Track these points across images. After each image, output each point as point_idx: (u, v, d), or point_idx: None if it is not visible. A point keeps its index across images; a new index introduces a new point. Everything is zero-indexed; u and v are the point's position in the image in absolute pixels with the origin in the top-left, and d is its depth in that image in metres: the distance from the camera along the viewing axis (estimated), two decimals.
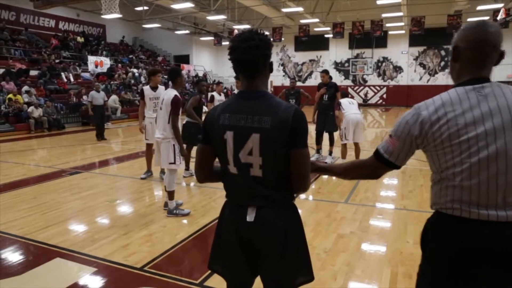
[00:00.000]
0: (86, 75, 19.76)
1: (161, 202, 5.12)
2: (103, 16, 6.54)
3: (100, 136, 11.39)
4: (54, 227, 4.17)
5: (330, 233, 3.95)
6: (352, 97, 7.55)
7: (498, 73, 25.88)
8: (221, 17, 22.69)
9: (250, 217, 1.59)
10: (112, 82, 19.42)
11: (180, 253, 3.59)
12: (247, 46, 1.56)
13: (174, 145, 4.40)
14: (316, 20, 22.87)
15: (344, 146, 7.23)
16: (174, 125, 4.36)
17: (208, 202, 5.17)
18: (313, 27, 24.10)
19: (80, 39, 22.87)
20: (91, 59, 20.48)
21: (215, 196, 5.41)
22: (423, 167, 7.27)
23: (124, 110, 18.29)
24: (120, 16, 19.81)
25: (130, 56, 25.59)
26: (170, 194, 4.49)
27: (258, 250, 1.63)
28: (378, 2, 18.19)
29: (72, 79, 18.31)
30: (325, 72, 7.72)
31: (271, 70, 1.69)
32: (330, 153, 7.87)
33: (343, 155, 7.22)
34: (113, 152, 9.40)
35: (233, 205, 1.68)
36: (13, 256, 3.50)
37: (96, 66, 20.39)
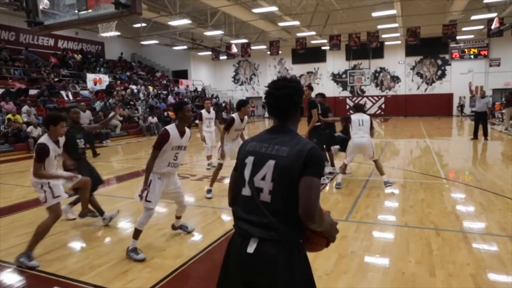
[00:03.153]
0: (85, 92, 19.87)
1: (160, 224, 5.08)
2: (100, 35, 6.65)
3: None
4: (52, 254, 4.13)
5: (331, 253, 3.91)
6: (365, 111, 6.94)
7: (495, 80, 26.04)
8: (218, 32, 22.93)
9: (251, 248, 1.61)
10: (110, 100, 19.48)
11: (180, 279, 3.54)
12: (282, 94, 1.74)
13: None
14: (313, 33, 23.10)
15: (344, 166, 6.93)
16: None
17: (208, 223, 5.13)
18: (310, 40, 24.32)
19: (77, 57, 23.02)
20: (90, 76, 20.62)
21: (214, 217, 5.37)
22: (424, 180, 7.25)
23: (123, 127, 18.31)
24: (118, 34, 20.07)
25: (129, 73, 25.75)
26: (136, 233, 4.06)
27: (257, 285, 1.64)
28: (374, 14, 18.39)
29: (71, 97, 18.38)
30: (308, 87, 7.25)
31: (302, 114, 1.83)
32: (332, 164, 8.27)
33: (342, 170, 6.98)
34: (112, 171, 9.36)
35: (238, 235, 1.72)
36: (10, 286, 3.45)
37: (95, 84, 20.51)
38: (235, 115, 6.22)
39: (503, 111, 18.71)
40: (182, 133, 4.08)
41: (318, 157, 1.65)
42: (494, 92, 25.79)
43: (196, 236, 4.63)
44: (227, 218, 5.35)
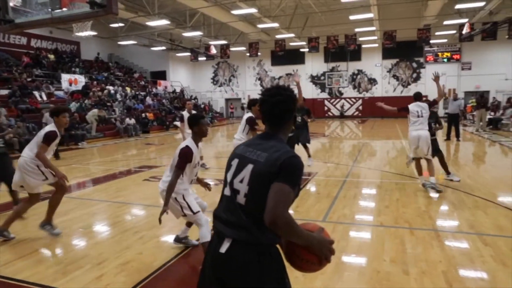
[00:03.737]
0: (60, 93, 19.35)
1: (138, 227, 5.01)
2: (75, 34, 6.41)
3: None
4: (23, 260, 4.00)
5: None
6: (425, 99, 7.14)
7: (467, 83, 26.92)
8: (197, 33, 22.81)
9: (223, 248, 1.65)
10: (86, 101, 19.07)
11: (157, 282, 3.50)
12: (276, 101, 1.78)
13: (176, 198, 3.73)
14: (292, 35, 23.28)
15: (417, 161, 6.67)
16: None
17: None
18: (289, 42, 24.50)
19: (51, 56, 22.42)
20: (65, 77, 20.12)
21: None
22: (399, 180, 7.42)
23: (99, 128, 17.94)
24: (94, 33, 19.68)
25: (106, 73, 25.27)
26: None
27: (226, 281, 1.67)
28: (351, 17, 18.70)
29: (45, 98, 17.88)
30: None
31: (294, 122, 1.91)
32: (309, 156, 8.75)
33: (419, 172, 6.70)
34: (88, 174, 9.16)
35: (215, 234, 1.77)
36: None
37: (70, 84, 20.03)
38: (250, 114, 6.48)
39: (474, 113, 19.35)
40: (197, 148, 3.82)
41: (294, 166, 1.64)
42: (466, 95, 26.66)
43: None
44: None
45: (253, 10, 17.97)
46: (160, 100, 26.06)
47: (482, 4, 17.64)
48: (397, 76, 29.16)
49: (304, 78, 31.23)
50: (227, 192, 1.77)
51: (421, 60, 28.26)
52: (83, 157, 12.28)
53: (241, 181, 1.71)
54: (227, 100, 34.12)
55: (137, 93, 24.52)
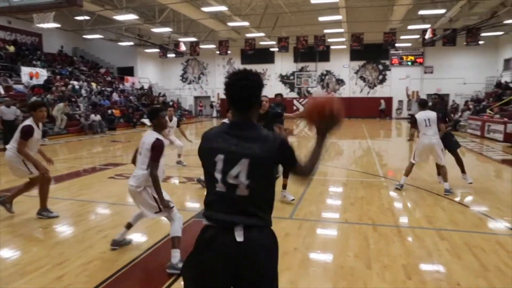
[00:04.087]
0: (19, 87, 18.46)
1: (102, 225, 4.88)
2: (36, 26, 6.06)
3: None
4: None
5: None
6: (432, 107, 6.95)
7: (429, 86, 28.06)
8: (167, 29, 22.44)
9: (240, 236, 1.68)
10: (48, 96, 18.31)
11: (121, 281, 3.42)
12: (242, 85, 1.77)
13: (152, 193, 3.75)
14: (262, 34, 23.37)
15: (410, 165, 6.65)
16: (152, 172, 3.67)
17: (152, 223, 5.00)
18: (259, 41, 24.58)
19: (10, 48, 21.34)
20: (25, 70, 19.20)
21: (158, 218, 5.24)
22: (364, 179, 7.63)
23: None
24: (57, 25, 18.89)
25: (70, 68, 24.36)
26: (175, 241, 3.70)
27: (243, 269, 1.69)
28: (320, 19, 19.03)
29: (2, 92, 17.00)
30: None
31: (260, 106, 1.91)
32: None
33: (407, 172, 6.67)
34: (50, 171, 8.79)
35: (214, 228, 1.75)
36: None
37: (31, 78, 19.14)
38: None
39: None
40: None
41: (288, 147, 1.81)
42: (428, 97, 27.77)
43: (139, 237, 4.50)
44: None
45: (223, 8, 17.90)
46: (127, 96, 25.43)
47: (443, 11, 18.44)
48: (364, 77, 29.96)
49: (274, 78, 31.49)
50: (221, 188, 1.75)
51: (387, 62, 29.18)
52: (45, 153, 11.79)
53: (237, 176, 1.72)
54: (196, 98, 33.80)
55: (103, 89, 23.80)
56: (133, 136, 17.70)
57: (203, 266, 1.74)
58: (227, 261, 1.69)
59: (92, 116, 18.75)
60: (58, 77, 21.59)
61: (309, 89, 30.92)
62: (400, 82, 28.72)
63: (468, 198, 6.25)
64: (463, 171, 6.79)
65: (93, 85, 23.32)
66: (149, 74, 31.53)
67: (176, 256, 3.60)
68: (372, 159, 10.24)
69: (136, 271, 3.64)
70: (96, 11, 18.59)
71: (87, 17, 20.74)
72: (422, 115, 6.36)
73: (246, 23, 20.61)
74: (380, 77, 29.65)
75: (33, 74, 19.30)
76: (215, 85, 32.68)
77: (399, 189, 6.55)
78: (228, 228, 1.70)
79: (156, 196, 3.70)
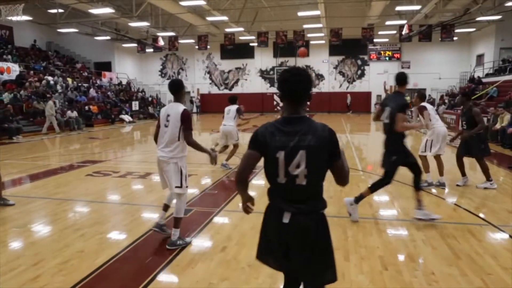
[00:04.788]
0: None
1: (79, 224, 4.79)
2: (4, 18, 5.78)
3: None
4: None
5: (254, 245, 3.95)
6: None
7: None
8: (145, 23, 22.07)
9: (286, 219, 2.01)
10: (22, 92, 17.75)
11: (99, 280, 3.37)
12: (297, 80, 2.01)
13: (181, 167, 3.94)
14: (241, 29, 23.26)
15: (425, 159, 6.54)
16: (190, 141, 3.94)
17: (130, 220, 4.95)
18: (238, 36, 24.46)
19: None
20: None
21: (137, 214, 5.20)
22: None
23: (37, 121, 16.81)
24: (29, 18, 18.28)
25: (44, 63, 23.64)
26: (177, 222, 4.01)
27: (294, 249, 2.03)
28: (299, 14, 19.08)
29: None
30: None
31: (309, 99, 2.08)
32: None
33: (426, 168, 6.47)
34: (24, 170, 8.55)
35: (274, 210, 2.09)
36: None
37: (2, 73, 18.49)
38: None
39: (412, 109, 20.64)
40: None
41: (335, 137, 2.04)
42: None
43: (118, 235, 4.44)
44: (150, 215, 5.22)
45: (202, 2, 17.70)
46: (105, 92, 24.91)
47: (418, 7, 18.80)
48: (343, 72, 30.29)
49: (254, 73, 31.45)
50: (282, 180, 2.01)
51: (365, 57, 29.59)
52: (18, 151, 11.46)
53: (298, 166, 1.97)
54: None
55: (79, 84, 23.23)
56: (111, 133, 17.37)
57: (268, 240, 2.13)
58: (279, 236, 2.05)
59: (69, 112, 18.29)
60: (31, 72, 20.94)
61: None
62: (378, 77, 29.23)
63: (444, 191, 6.41)
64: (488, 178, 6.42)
65: (69, 80, 22.73)
66: (127, 69, 30.97)
67: (176, 234, 3.98)
68: (351, 153, 10.39)
69: (115, 269, 3.60)
70: (71, 4, 18.08)
71: (61, 10, 20.12)
72: (429, 106, 6.53)
73: (225, 18, 20.47)
74: (359, 72, 30.04)
75: (3, 69, 18.65)
76: (194, 80, 32.39)
77: (443, 188, 6.40)
78: (281, 211, 2.03)
79: (184, 172, 3.94)
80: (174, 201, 4.12)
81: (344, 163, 2.08)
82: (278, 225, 2.03)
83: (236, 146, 8.41)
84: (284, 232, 2.03)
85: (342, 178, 2.10)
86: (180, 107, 3.94)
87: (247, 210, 2.24)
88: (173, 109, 3.93)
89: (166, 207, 4.28)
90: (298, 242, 2.02)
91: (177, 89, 4.05)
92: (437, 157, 6.55)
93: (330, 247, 2.09)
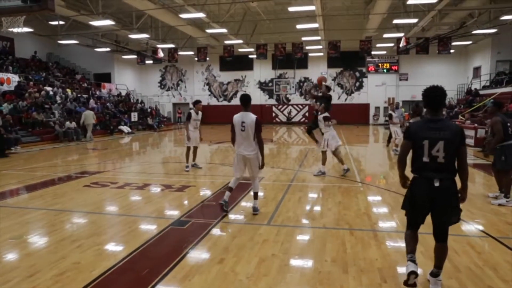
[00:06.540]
0: None
1: (76, 235, 4.75)
2: (6, 30, 5.80)
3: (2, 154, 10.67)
4: None
5: (252, 257, 3.99)
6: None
7: (404, 93, 28.81)
8: (144, 35, 22.25)
9: (437, 183, 3.11)
10: (20, 102, 17.77)
11: None
12: (440, 93, 3.22)
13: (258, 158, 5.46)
14: (240, 41, 23.47)
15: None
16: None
17: (127, 232, 4.91)
18: (237, 48, 24.66)
19: None
20: None
21: (134, 226, 5.16)
22: (342, 184, 7.73)
23: (36, 132, 16.80)
24: (30, 30, 18.41)
25: (44, 74, 23.73)
26: (256, 195, 5.64)
27: (439, 202, 3.15)
28: (298, 26, 19.28)
29: None
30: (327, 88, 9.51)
31: (445, 106, 3.37)
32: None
33: None
34: (21, 181, 8.51)
35: (423, 179, 3.18)
36: None
37: (2, 84, 18.54)
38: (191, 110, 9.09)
39: (411, 120, 20.71)
40: None
41: (463, 132, 3.17)
42: (404, 104, 28.50)
43: (115, 246, 4.41)
44: (148, 226, 5.18)
45: (201, 15, 17.88)
46: (104, 103, 24.96)
47: (415, 20, 19.03)
48: (342, 84, 30.47)
49: (253, 85, 31.62)
50: (426, 159, 3.14)
51: (364, 70, 29.81)
52: (17, 162, 11.43)
53: (438, 151, 3.08)
54: (174, 104, 33.53)
55: (79, 95, 23.29)
56: (110, 144, 17.36)
57: (416, 199, 3.24)
58: (428, 196, 3.14)
59: (67, 123, 18.30)
60: (31, 83, 21.00)
61: (287, 95, 31.20)
62: (376, 89, 29.44)
63: None
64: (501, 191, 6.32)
65: (68, 91, 22.79)
66: (127, 81, 31.10)
67: (256, 202, 5.60)
68: (349, 165, 10.37)
69: (111, 281, 3.56)
70: (72, 16, 18.24)
71: (62, 22, 20.30)
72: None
73: (224, 30, 20.66)
74: (357, 84, 30.22)
75: (3, 80, 18.71)
76: (194, 91, 32.51)
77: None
78: (430, 179, 3.12)
79: (260, 160, 5.44)
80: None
81: (466, 151, 3.18)
82: (429, 187, 3.11)
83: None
84: (433, 191, 3.11)
85: (464, 161, 3.16)
86: (253, 116, 5.30)
87: (405, 185, 3.42)
88: (247, 118, 5.27)
89: (230, 189, 5.53)
90: (444, 197, 3.12)
91: (248, 101, 5.37)
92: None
93: (458, 199, 3.19)
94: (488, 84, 22.91)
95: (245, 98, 5.41)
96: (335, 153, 8.68)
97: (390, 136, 14.11)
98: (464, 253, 4.09)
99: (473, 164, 10.55)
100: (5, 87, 18.60)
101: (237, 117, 5.35)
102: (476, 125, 14.93)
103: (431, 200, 3.12)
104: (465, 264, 3.81)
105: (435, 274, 3.30)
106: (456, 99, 25.61)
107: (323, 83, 9.76)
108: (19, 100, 17.92)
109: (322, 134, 8.68)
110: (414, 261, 3.19)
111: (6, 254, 4.23)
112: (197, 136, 9.30)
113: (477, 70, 25.78)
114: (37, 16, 18.34)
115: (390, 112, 13.05)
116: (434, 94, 3.17)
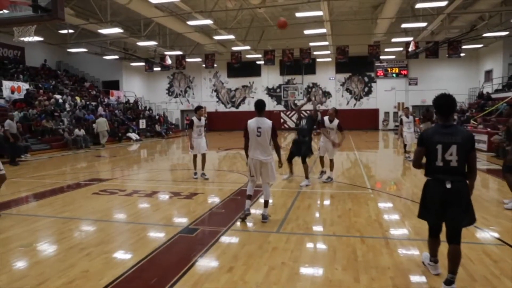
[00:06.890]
0: (0, 101, 18.11)
1: (84, 243, 4.74)
2: (17, 39, 5.90)
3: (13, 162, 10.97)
4: None
5: (261, 265, 3.92)
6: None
7: (414, 98, 28.58)
8: (152, 43, 22.44)
9: (448, 185, 3.23)
10: (30, 110, 17.98)
11: None
12: (450, 100, 3.36)
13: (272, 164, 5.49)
14: (248, 47, 23.53)
15: None
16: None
17: (136, 240, 4.88)
18: (245, 54, 24.74)
19: None
20: (7, 84, 18.87)
21: (143, 233, 5.13)
22: (352, 191, 7.63)
23: (45, 139, 16.97)
24: (40, 39, 18.70)
25: (54, 82, 24.03)
26: (267, 203, 5.58)
27: (451, 204, 3.24)
28: (306, 32, 19.28)
29: None
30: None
31: (455, 112, 3.62)
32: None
33: None
34: (31, 188, 8.57)
35: (436, 181, 3.32)
36: None
37: (13, 92, 18.80)
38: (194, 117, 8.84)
39: (421, 125, 20.50)
40: None
41: (473, 137, 3.39)
42: (413, 108, 28.27)
43: (124, 254, 4.38)
44: (156, 234, 5.15)
45: (209, 22, 17.99)
46: (113, 110, 25.17)
47: (424, 24, 18.90)
48: (350, 89, 30.33)
49: (261, 91, 31.65)
50: (439, 163, 3.27)
51: (372, 74, 29.65)
52: (26, 170, 11.52)
53: (451, 155, 3.22)
54: (182, 111, 33.68)
55: (87, 103, 23.52)
56: (118, 151, 17.45)
57: (428, 201, 3.42)
58: (441, 196, 3.27)
59: (76, 130, 18.46)
60: (41, 91, 21.27)
61: (296, 101, 31.15)
62: (385, 94, 29.23)
63: None
64: None
65: (77, 99, 23.03)
66: (135, 88, 31.36)
67: (266, 210, 5.54)
68: (359, 171, 10.27)
69: None
70: (81, 24, 18.49)
71: (71, 31, 20.60)
72: None
73: (232, 37, 20.75)
74: (366, 89, 30.06)
75: (14, 88, 18.98)
76: (201, 98, 32.64)
77: None
78: (443, 181, 3.25)
79: (274, 166, 5.51)
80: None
81: (475, 155, 3.36)
82: (442, 189, 3.25)
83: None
84: (446, 193, 3.23)
85: (474, 165, 3.33)
86: (268, 121, 5.36)
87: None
88: (263, 123, 5.31)
89: (249, 197, 5.56)
90: (456, 198, 3.23)
91: (263, 107, 5.41)
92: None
93: (471, 202, 3.29)
94: (500, 87, 22.59)
95: (260, 104, 5.43)
96: (324, 159, 8.78)
97: (405, 145, 13.88)
98: (480, 262, 3.97)
99: (486, 169, 10.36)
100: (16, 96, 18.86)
101: (252, 123, 5.35)
102: (488, 129, 14.69)
103: (443, 202, 3.23)
104: (481, 273, 3.70)
105: (449, 281, 3.22)
106: (467, 103, 25.30)
107: (316, 97, 9.94)
108: (29, 108, 18.14)
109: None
110: (436, 262, 3.65)
111: (15, 262, 4.23)
112: (202, 142, 8.98)
113: (488, 74, 25.47)
114: (47, 25, 18.63)
115: (402, 117, 12.79)
116: (444, 101, 3.32)
